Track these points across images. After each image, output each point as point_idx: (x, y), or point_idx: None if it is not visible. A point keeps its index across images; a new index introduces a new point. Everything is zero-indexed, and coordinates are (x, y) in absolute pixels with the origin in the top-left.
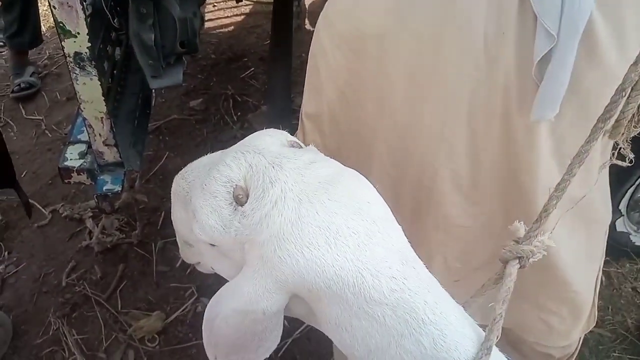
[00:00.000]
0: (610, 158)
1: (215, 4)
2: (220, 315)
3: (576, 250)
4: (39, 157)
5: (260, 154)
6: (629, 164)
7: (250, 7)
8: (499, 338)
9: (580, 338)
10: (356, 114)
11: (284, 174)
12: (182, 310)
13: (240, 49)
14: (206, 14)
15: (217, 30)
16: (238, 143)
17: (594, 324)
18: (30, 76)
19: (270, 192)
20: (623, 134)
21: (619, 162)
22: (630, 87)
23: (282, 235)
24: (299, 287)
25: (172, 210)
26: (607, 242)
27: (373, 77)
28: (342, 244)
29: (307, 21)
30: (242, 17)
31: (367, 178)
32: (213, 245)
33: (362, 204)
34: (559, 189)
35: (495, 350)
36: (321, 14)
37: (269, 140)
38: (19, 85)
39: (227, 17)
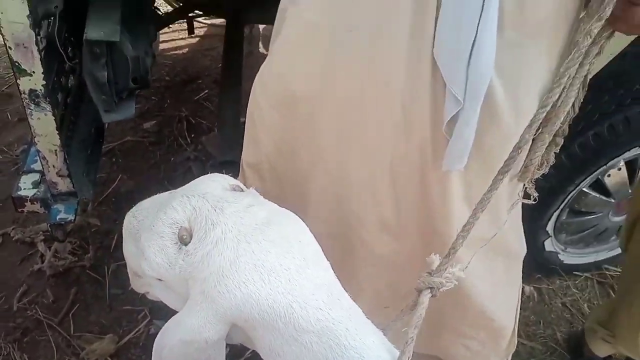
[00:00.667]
0: (518, 198)
1: (170, 26)
2: (168, 346)
3: (494, 282)
4: None
5: (203, 198)
6: (534, 202)
7: (205, 29)
8: (409, 359)
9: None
10: (292, 165)
11: (224, 216)
12: (135, 333)
13: (195, 71)
14: (160, 36)
15: (171, 52)
16: (185, 186)
17: (514, 350)
18: None
19: (211, 233)
20: (530, 178)
21: (526, 201)
22: (525, 146)
23: (221, 272)
24: (237, 318)
25: (123, 244)
26: (538, 260)
27: (305, 134)
28: (274, 280)
29: (261, 45)
30: (197, 39)
31: (303, 220)
32: (160, 279)
33: (294, 243)
34: (465, 230)
35: None
36: (258, 74)
37: (212, 185)
38: None
39: (182, 38)
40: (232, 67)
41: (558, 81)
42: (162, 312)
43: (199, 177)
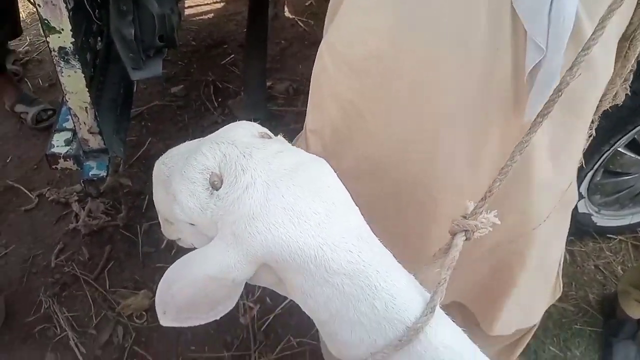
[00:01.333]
0: (590, 136)
1: None
2: (189, 277)
3: (550, 231)
4: (23, 142)
5: (233, 144)
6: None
7: None
8: (442, 300)
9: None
10: (356, 126)
11: (253, 162)
12: None
13: (220, 35)
14: (186, 1)
15: (197, 17)
16: (213, 133)
17: (559, 295)
18: (13, 64)
19: (241, 178)
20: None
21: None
22: (565, 89)
23: (252, 215)
24: (268, 260)
25: (153, 192)
26: (571, 222)
27: (374, 94)
28: (304, 223)
29: (286, 8)
30: (222, 4)
31: (356, 180)
32: (192, 224)
33: (323, 187)
34: (502, 173)
35: (440, 312)
36: (324, 39)
37: (241, 132)
38: None
39: (207, 4)
40: (257, 29)
41: (601, 24)
42: None
43: None
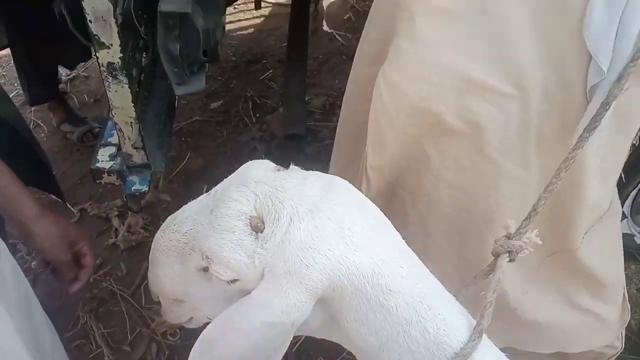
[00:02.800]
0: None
1: (235, 7)
2: (241, 330)
3: (599, 247)
4: (68, 157)
5: (259, 182)
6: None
7: (270, 9)
8: (489, 323)
9: (622, 333)
10: (416, 155)
11: (288, 193)
12: None
13: (260, 51)
14: (226, 17)
15: (237, 33)
16: (228, 179)
17: (629, 317)
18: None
19: (283, 212)
20: None
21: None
22: (612, 101)
23: (304, 246)
24: (327, 290)
25: (154, 273)
26: None
27: (435, 129)
28: (356, 240)
29: (324, 23)
30: (261, 19)
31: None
32: (233, 282)
33: (360, 202)
34: (547, 191)
35: (485, 337)
36: (382, 75)
37: (257, 170)
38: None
39: (247, 19)
40: (298, 43)
41: None
42: None
43: (262, 156)
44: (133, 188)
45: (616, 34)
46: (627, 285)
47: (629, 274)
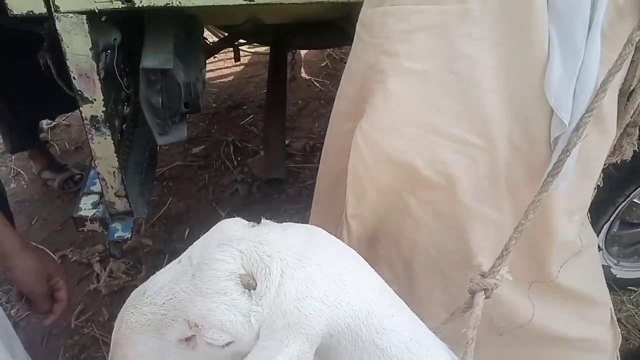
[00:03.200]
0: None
1: (216, 56)
2: None
3: (579, 274)
4: (48, 204)
5: (242, 239)
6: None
7: (249, 57)
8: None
9: (617, 355)
10: (398, 214)
11: (274, 246)
12: None
13: (240, 97)
14: (207, 65)
15: (218, 80)
16: (203, 241)
17: (620, 341)
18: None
19: (273, 265)
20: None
21: None
22: (572, 149)
23: (300, 296)
24: (326, 336)
25: (122, 354)
26: None
27: (413, 179)
28: (348, 283)
29: (302, 70)
30: (241, 67)
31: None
32: (227, 345)
33: (341, 249)
34: (517, 231)
35: None
36: (359, 129)
37: (234, 227)
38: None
39: (227, 67)
40: (277, 90)
41: (603, 87)
42: None
43: (244, 198)
44: (116, 235)
45: (574, 91)
46: None
47: None
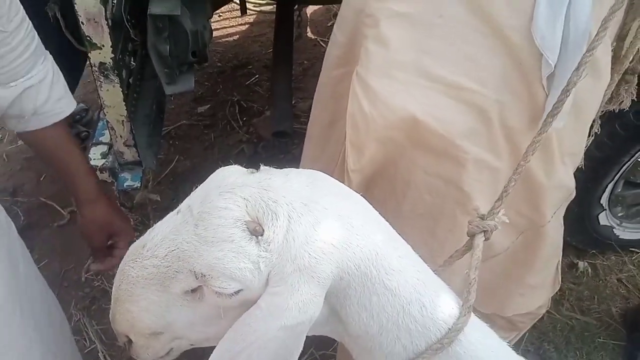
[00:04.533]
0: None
1: (221, 14)
2: (259, 341)
3: (559, 228)
4: None
5: (244, 185)
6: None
7: (254, 16)
8: (474, 299)
9: (549, 299)
10: (398, 155)
11: (278, 191)
12: None
13: (245, 57)
14: (212, 24)
15: (223, 40)
16: (202, 190)
17: (559, 286)
18: None
19: (279, 210)
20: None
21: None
22: (572, 89)
23: (309, 240)
24: (336, 279)
25: (124, 309)
26: (592, 235)
27: (407, 126)
28: (356, 225)
29: (308, 29)
30: (247, 26)
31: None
32: (237, 293)
33: (346, 192)
34: (517, 173)
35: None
36: (355, 75)
37: (235, 174)
38: None
39: (233, 26)
40: (283, 46)
41: (604, 25)
42: None
43: (250, 157)
44: (125, 184)
45: (564, 32)
46: (607, 276)
47: (609, 265)
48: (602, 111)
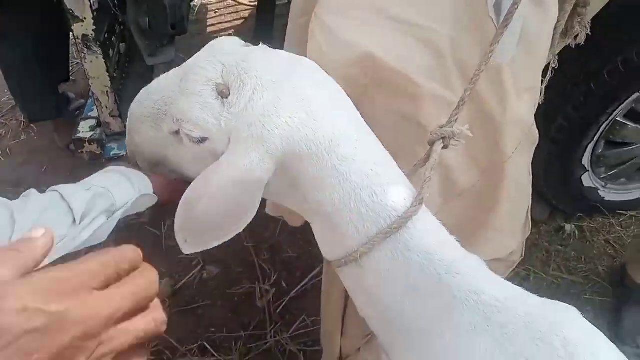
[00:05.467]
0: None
1: (217, 11)
2: (213, 188)
3: (520, 166)
4: (56, 153)
5: (229, 54)
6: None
7: (249, 11)
8: (428, 195)
9: (523, 243)
10: (356, 95)
11: (254, 64)
12: (190, 277)
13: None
14: (208, 20)
15: (219, 34)
16: (200, 52)
17: (529, 233)
18: None
19: (247, 81)
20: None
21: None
22: (511, 18)
23: (266, 114)
24: (287, 152)
25: (133, 139)
26: (577, 197)
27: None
28: (316, 111)
29: None
30: (242, 21)
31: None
32: (202, 141)
33: (323, 79)
34: (472, 82)
35: (426, 210)
36: (313, 16)
37: (228, 44)
38: None
39: (228, 21)
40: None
41: None
42: (215, 258)
43: None
44: (112, 153)
45: None
46: (594, 237)
47: (596, 227)
48: (559, 46)
